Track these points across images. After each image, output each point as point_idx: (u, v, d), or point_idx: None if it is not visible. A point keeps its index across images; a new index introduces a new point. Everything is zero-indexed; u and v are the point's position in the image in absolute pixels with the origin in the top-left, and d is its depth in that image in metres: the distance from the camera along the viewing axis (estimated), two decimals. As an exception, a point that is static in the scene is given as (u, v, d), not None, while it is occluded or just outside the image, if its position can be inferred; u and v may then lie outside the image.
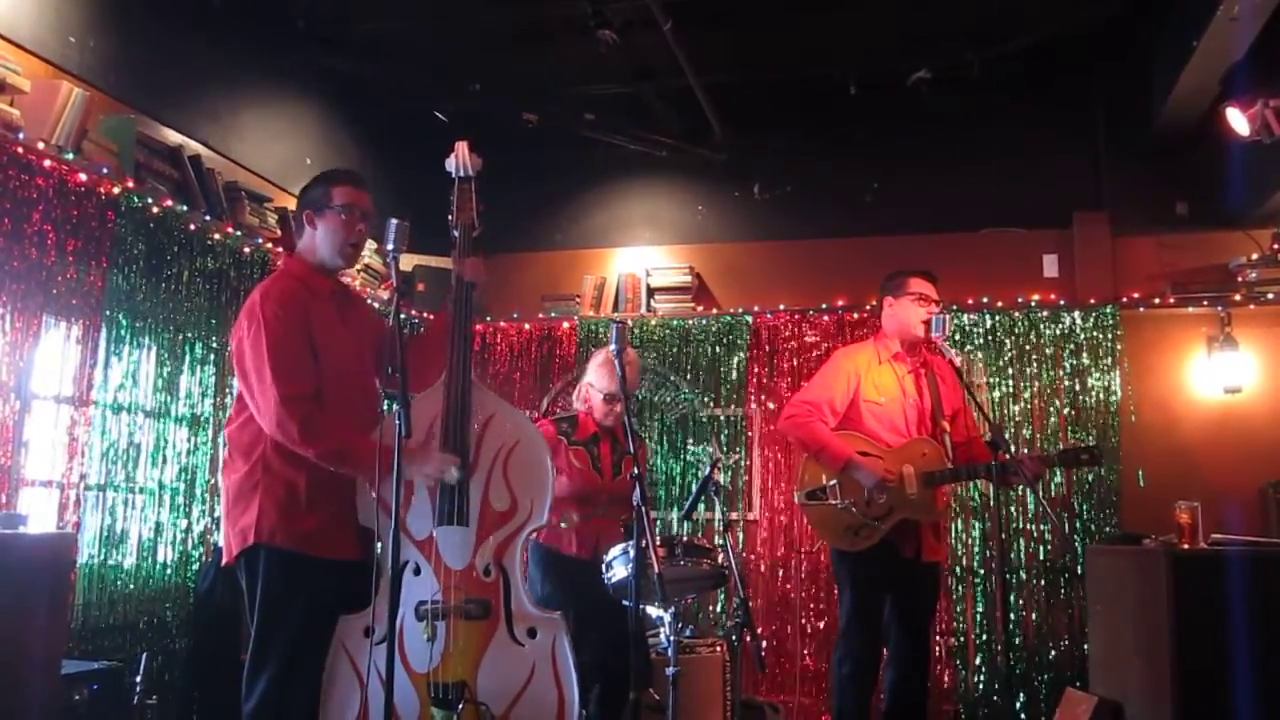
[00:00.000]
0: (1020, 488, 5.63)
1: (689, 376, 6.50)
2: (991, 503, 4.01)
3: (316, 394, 2.92)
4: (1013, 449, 3.97)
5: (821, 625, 6.00)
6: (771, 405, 6.29)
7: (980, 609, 5.88)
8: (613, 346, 3.48)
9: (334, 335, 3.04)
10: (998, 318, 6.16)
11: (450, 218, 3.33)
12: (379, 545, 2.96)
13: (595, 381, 4.30)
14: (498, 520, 3.06)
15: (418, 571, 3.00)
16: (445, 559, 3.00)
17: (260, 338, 2.91)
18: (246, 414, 2.98)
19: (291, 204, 5.67)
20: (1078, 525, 5.85)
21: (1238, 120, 5.01)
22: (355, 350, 3.12)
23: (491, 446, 3.10)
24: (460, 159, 3.34)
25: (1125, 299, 6.03)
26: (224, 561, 3.01)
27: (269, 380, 2.87)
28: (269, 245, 5.21)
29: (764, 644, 5.93)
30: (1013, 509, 5.90)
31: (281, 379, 2.87)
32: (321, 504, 2.94)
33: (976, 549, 5.94)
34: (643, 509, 3.16)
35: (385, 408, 3.18)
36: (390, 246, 2.92)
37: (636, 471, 3.22)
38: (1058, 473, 5.85)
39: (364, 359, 3.15)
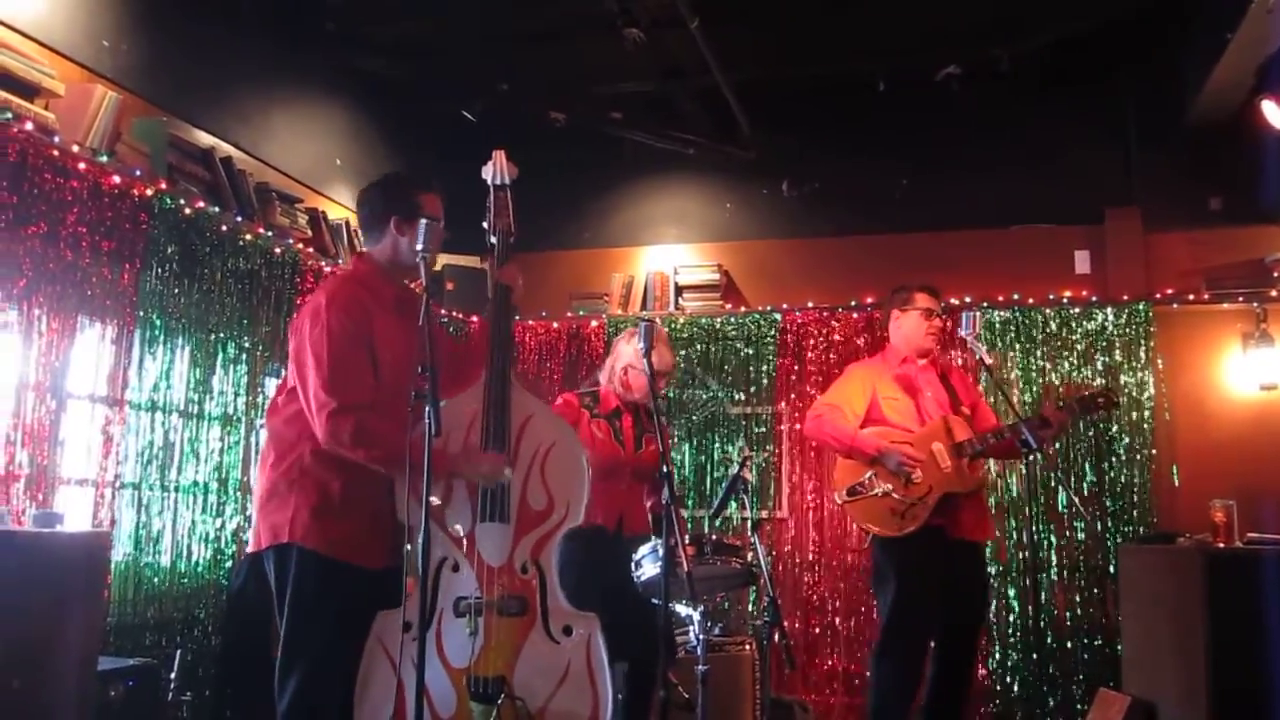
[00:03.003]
0: (1052, 480, 5.67)
1: (718, 374, 6.48)
2: (1025, 498, 3.98)
3: (372, 405, 2.91)
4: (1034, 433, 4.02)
5: (851, 624, 5.98)
6: (801, 403, 6.26)
7: (1012, 607, 5.83)
8: (641, 345, 3.48)
9: (394, 347, 3.03)
10: (1029, 315, 6.11)
11: (486, 224, 3.35)
12: (408, 545, 2.96)
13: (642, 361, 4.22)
14: (535, 519, 3.07)
15: (456, 568, 3.01)
16: (484, 556, 3.01)
17: (322, 344, 2.90)
18: (294, 408, 2.97)
19: (322, 204, 5.74)
20: (1110, 523, 5.79)
21: (1273, 113, 4.96)
22: (413, 362, 3.03)
23: (530, 446, 3.11)
24: (498, 167, 3.36)
25: (1158, 295, 5.96)
26: (250, 549, 3.02)
27: (325, 390, 2.86)
28: (300, 246, 5.24)
29: (792, 642, 5.90)
30: (1043, 506, 5.85)
31: (337, 391, 2.87)
32: (354, 510, 2.94)
33: (1009, 546, 5.89)
34: (671, 506, 3.16)
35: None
36: (420, 246, 2.92)
37: (666, 470, 3.21)
38: (1089, 470, 5.81)
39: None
